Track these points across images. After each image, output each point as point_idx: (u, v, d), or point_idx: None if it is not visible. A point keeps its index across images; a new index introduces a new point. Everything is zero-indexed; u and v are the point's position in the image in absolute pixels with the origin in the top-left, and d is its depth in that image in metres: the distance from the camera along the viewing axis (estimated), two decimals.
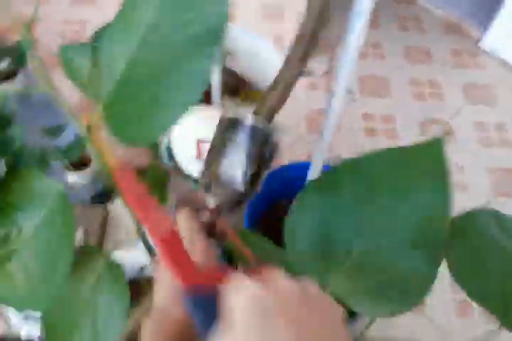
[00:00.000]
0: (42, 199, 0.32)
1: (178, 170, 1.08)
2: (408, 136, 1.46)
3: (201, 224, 0.41)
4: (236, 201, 0.44)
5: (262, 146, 0.45)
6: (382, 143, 1.44)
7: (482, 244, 0.49)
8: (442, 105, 1.58)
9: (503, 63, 1.74)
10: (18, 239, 0.28)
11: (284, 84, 0.58)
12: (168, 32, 0.35)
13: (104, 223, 0.94)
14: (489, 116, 1.56)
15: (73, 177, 0.92)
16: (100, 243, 0.87)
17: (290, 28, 1.74)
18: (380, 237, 0.41)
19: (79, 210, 0.97)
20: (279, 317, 0.25)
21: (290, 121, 1.45)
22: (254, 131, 0.44)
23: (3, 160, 0.97)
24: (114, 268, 0.35)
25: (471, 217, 0.53)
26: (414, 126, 1.50)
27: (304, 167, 0.84)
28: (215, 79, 0.95)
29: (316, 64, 1.57)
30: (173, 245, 0.30)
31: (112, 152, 0.38)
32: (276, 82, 0.62)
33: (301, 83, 1.56)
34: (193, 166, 1.11)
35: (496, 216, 0.53)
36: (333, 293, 0.41)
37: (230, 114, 0.43)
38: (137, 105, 0.36)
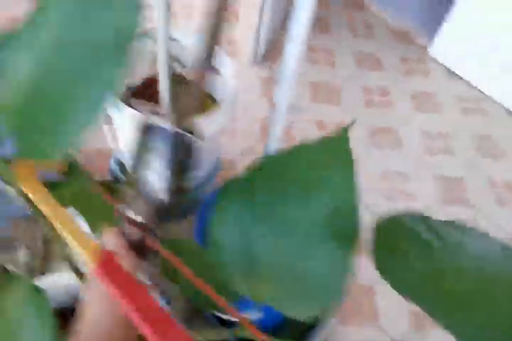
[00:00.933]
0: None
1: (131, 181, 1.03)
2: (359, 146, 1.48)
3: (129, 242, 0.39)
4: (163, 213, 0.43)
5: (182, 152, 0.44)
6: None
7: (412, 246, 0.50)
8: (391, 113, 1.61)
9: (448, 71, 1.79)
10: None
11: (196, 81, 0.55)
12: (75, 39, 0.34)
13: (48, 241, 0.88)
14: (435, 125, 1.61)
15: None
16: (45, 264, 0.82)
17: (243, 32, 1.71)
18: (295, 233, 0.41)
19: (20, 225, 0.91)
20: None
21: (245, 128, 1.43)
22: (172, 136, 0.42)
23: None
24: (38, 296, 0.33)
25: (398, 219, 0.53)
26: (364, 135, 1.52)
27: None
28: (165, 88, 0.91)
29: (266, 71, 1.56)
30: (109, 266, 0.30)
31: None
32: (190, 80, 0.59)
33: (256, 90, 1.54)
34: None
35: (425, 220, 0.54)
36: (260, 299, 0.41)
37: (149, 120, 0.41)
38: (43, 116, 0.34)
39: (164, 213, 0.42)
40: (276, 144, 0.91)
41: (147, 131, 0.40)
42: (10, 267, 0.62)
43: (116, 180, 1.17)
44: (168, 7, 0.79)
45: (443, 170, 1.48)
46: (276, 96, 0.84)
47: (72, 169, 0.56)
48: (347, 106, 1.58)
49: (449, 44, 1.76)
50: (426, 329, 1.14)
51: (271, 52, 1.67)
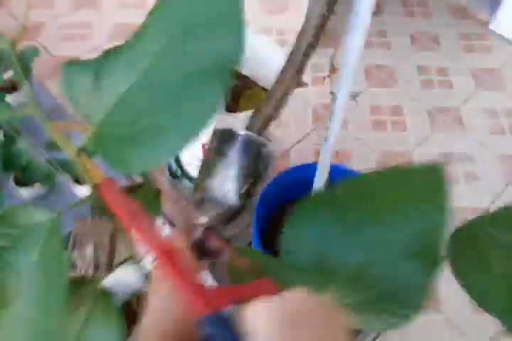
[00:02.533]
0: (35, 235, 0.33)
1: (180, 179, 1.09)
2: (417, 128, 1.44)
3: (193, 243, 0.41)
4: (230, 216, 0.44)
5: (256, 158, 0.45)
6: (391, 136, 1.42)
7: (487, 248, 0.49)
8: (451, 92, 1.55)
9: None
10: (16, 284, 0.29)
11: (280, 94, 0.58)
12: (177, 62, 0.34)
13: (114, 237, 0.95)
14: (499, 102, 1.53)
15: (81, 191, 0.93)
16: (111, 259, 0.88)
17: (293, 22, 1.72)
18: (377, 249, 0.42)
19: (88, 224, 0.97)
20: (302, 328, 0.26)
21: (297, 116, 1.45)
22: (247, 142, 0.43)
23: (12, 175, 0.99)
24: (105, 299, 0.36)
25: (472, 226, 0.52)
26: (423, 117, 1.48)
27: (312, 168, 0.85)
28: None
29: (322, 58, 1.55)
30: (173, 260, 0.30)
31: (97, 169, 0.37)
32: (272, 91, 0.62)
33: (307, 77, 1.54)
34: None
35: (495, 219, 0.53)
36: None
37: (223, 125, 0.42)
38: (133, 131, 0.35)
39: (233, 216, 0.44)
40: (335, 134, 0.92)
41: (222, 136, 0.42)
42: (79, 263, 0.68)
43: (176, 178, 1.22)
44: None
45: (508, 150, 1.41)
46: (337, 86, 0.84)
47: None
48: (403, 89, 1.55)
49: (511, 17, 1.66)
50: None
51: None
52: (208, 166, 0.44)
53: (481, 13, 1.79)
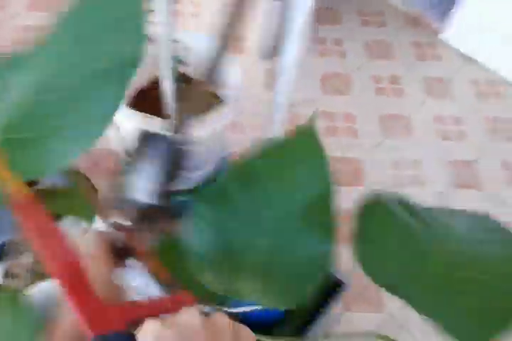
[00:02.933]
0: None
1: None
2: (369, 134, 1.50)
3: (114, 245, 0.41)
4: (151, 216, 0.46)
5: (175, 157, 0.47)
6: (341, 142, 1.47)
7: (392, 226, 0.48)
8: (403, 100, 1.61)
9: (462, 55, 1.77)
10: None
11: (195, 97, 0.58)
12: (78, 63, 0.36)
13: None
14: (448, 110, 1.60)
15: None
16: None
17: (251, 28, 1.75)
18: (273, 228, 0.44)
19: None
20: None
21: (252, 122, 1.48)
22: (165, 142, 0.44)
23: None
24: (21, 309, 0.37)
25: (377, 199, 0.53)
26: (375, 124, 1.53)
27: None
28: (169, 90, 0.97)
29: None
30: (75, 281, 0.31)
31: (11, 178, 0.35)
32: (186, 94, 0.63)
33: (263, 84, 1.58)
34: None
35: (401, 200, 0.55)
36: (239, 296, 0.44)
37: (143, 126, 0.44)
38: (38, 134, 0.35)
39: (154, 216, 0.46)
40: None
41: (143, 137, 0.43)
42: (16, 270, 0.68)
43: None
44: (171, 10, 0.83)
45: (456, 155, 1.48)
46: (276, 91, 0.88)
47: (72, 176, 0.60)
48: (357, 96, 1.60)
49: (462, 27, 1.74)
50: None
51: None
52: (128, 167, 0.45)
53: (433, 23, 1.86)
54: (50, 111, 0.36)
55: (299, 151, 0.47)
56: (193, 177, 1.09)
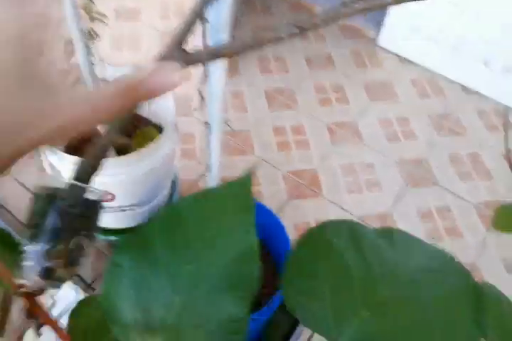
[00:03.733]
0: None
1: None
2: (319, 144, 1.53)
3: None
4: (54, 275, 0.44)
5: (82, 211, 0.45)
6: (295, 155, 1.49)
7: (325, 260, 0.49)
8: (348, 107, 1.66)
9: (400, 59, 1.84)
10: None
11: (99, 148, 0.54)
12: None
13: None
14: (392, 112, 1.65)
15: None
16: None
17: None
18: (195, 288, 0.42)
19: None
20: None
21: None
22: (70, 196, 0.43)
23: None
24: None
25: (321, 229, 0.52)
26: (324, 133, 1.57)
27: None
28: (103, 126, 0.98)
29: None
30: None
31: None
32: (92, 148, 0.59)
33: None
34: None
35: (351, 226, 0.54)
36: None
37: (45, 180, 0.42)
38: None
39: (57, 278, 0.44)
40: (217, 162, 0.96)
41: (42, 190, 0.42)
42: None
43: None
44: (89, 49, 0.85)
45: (406, 155, 1.52)
46: (210, 116, 0.89)
47: None
48: (303, 109, 1.64)
49: (395, 32, 1.81)
50: None
51: None
52: (30, 228, 0.43)
53: (369, 31, 1.93)
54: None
55: (229, 205, 0.45)
56: (141, 211, 1.09)
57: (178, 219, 0.44)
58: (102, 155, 0.50)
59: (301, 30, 0.46)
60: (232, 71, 1.74)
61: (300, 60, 1.82)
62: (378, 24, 1.87)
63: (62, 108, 0.21)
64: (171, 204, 0.46)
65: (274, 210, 1.34)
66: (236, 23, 1.93)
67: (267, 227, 1.01)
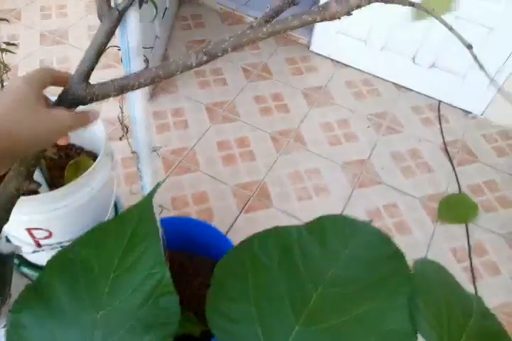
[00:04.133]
0: None
1: None
2: (264, 154, 1.54)
3: None
4: None
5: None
6: (241, 167, 1.49)
7: (251, 280, 0.46)
8: (289, 115, 1.67)
9: (333, 62, 1.88)
10: None
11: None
12: None
13: None
14: (332, 115, 1.68)
15: None
16: None
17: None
18: (111, 336, 0.39)
19: None
20: None
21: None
22: None
23: None
24: None
25: (246, 246, 0.49)
26: (268, 142, 1.58)
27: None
28: None
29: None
30: None
31: None
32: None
33: None
34: (36, 256, 1.06)
35: (278, 236, 0.51)
36: None
37: None
38: None
39: None
40: (149, 186, 0.93)
41: None
42: None
43: None
44: None
45: (349, 156, 1.55)
46: (136, 143, 0.86)
47: None
48: (245, 120, 1.64)
49: (327, 36, 1.85)
50: None
51: (159, 86, 1.71)
52: None
53: (301, 37, 1.97)
54: None
55: (130, 234, 0.43)
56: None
57: (77, 263, 0.41)
58: (9, 204, 0.46)
59: (210, 58, 0.46)
60: (171, 87, 1.72)
61: (237, 70, 1.82)
62: (309, 30, 1.91)
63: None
64: (65, 248, 0.43)
65: (226, 226, 1.34)
66: (168, 39, 1.92)
67: (218, 247, 1.00)
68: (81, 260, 0.42)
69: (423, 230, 1.38)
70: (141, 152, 0.83)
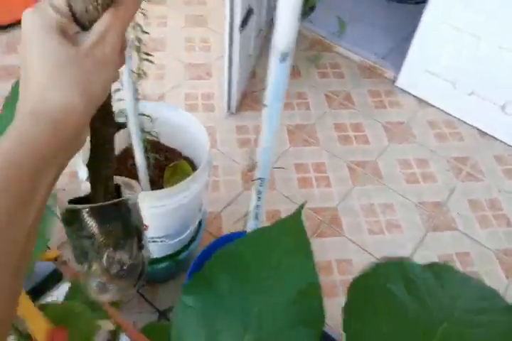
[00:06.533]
0: None
1: None
2: (340, 182, 1.53)
3: None
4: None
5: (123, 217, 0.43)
6: (315, 192, 1.50)
7: (381, 303, 0.49)
8: (367, 146, 1.67)
9: (418, 100, 1.87)
10: None
11: None
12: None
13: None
14: (411, 153, 1.67)
15: None
16: None
17: (215, 86, 1.81)
18: (265, 324, 0.43)
19: None
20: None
21: (227, 178, 1.49)
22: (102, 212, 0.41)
23: None
24: None
25: (372, 274, 0.52)
26: (344, 171, 1.58)
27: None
28: (141, 166, 0.98)
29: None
30: None
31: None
32: None
33: (234, 140, 1.61)
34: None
35: (402, 267, 0.54)
36: None
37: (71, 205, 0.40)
38: None
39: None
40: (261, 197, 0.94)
41: (73, 215, 0.41)
42: None
43: None
44: (135, 89, 0.86)
45: (425, 197, 1.53)
46: (259, 149, 0.85)
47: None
48: (323, 146, 1.65)
49: (415, 74, 1.85)
50: None
51: (244, 101, 1.76)
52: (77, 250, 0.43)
53: (387, 72, 1.97)
54: None
55: (285, 243, 0.47)
56: (172, 243, 1.08)
57: (237, 259, 0.46)
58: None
59: None
60: (256, 104, 1.76)
61: (321, 97, 1.85)
62: (397, 65, 1.92)
63: None
64: (229, 245, 0.47)
65: None
66: (258, 59, 1.95)
67: None
68: (241, 256, 0.46)
69: (495, 284, 1.33)
70: (265, 176, 0.84)
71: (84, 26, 0.29)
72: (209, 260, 0.45)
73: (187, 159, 1.14)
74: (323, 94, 1.86)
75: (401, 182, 1.56)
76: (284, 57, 0.52)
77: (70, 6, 0.29)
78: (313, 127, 1.72)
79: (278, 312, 0.44)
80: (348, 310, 0.47)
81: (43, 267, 0.96)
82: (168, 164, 1.11)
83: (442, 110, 1.84)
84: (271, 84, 0.55)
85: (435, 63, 1.77)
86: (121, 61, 0.32)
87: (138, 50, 0.84)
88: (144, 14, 0.74)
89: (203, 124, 1.05)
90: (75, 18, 0.29)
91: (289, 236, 0.48)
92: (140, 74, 0.88)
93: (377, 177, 1.57)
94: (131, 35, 0.76)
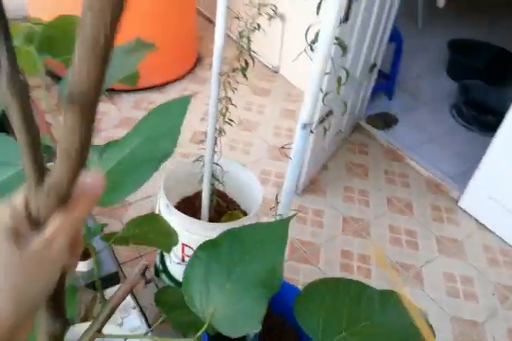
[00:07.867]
0: None
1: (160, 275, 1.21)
2: (378, 277, 1.58)
3: None
4: None
5: None
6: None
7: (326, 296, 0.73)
8: (416, 252, 1.72)
9: (477, 223, 1.92)
10: None
11: None
12: (141, 152, 0.67)
13: (92, 306, 1.04)
14: (458, 269, 1.68)
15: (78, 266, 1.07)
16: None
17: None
18: (241, 279, 0.64)
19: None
20: None
21: None
22: None
23: None
24: None
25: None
26: (389, 270, 1.62)
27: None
28: (205, 199, 1.16)
29: None
30: None
31: None
32: None
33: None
34: (176, 268, 1.24)
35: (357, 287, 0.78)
36: (212, 321, 0.63)
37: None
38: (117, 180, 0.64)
39: None
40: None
41: None
42: None
43: (158, 275, 1.35)
44: (214, 141, 1.08)
45: (463, 313, 1.51)
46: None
47: None
48: (374, 242, 1.73)
49: (478, 197, 1.93)
50: None
51: (310, 186, 1.93)
52: None
53: (452, 191, 2.07)
54: (124, 172, 0.66)
55: (273, 234, 0.69)
56: None
57: (238, 234, 0.69)
58: None
59: None
60: (319, 191, 1.92)
61: (382, 198, 1.97)
62: (463, 186, 2.01)
63: None
64: (235, 228, 0.70)
65: None
66: (332, 155, 2.16)
67: None
68: (240, 232, 0.71)
69: None
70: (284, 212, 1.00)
71: (38, 224, 0.29)
72: (219, 236, 0.67)
73: (242, 211, 1.30)
74: (386, 197, 1.98)
75: (441, 293, 1.57)
76: (304, 126, 0.86)
77: (26, 205, 0.29)
78: (368, 223, 1.82)
79: (252, 276, 0.64)
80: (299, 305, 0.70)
81: None
82: (226, 211, 1.27)
83: (501, 238, 1.87)
84: (295, 142, 0.89)
85: (499, 191, 1.85)
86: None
87: (224, 114, 1.07)
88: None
89: (269, 195, 1.23)
90: (29, 217, 0.29)
91: (275, 230, 0.70)
92: (221, 133, 1.10)
93: (419, 282, 1.59)
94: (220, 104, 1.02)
